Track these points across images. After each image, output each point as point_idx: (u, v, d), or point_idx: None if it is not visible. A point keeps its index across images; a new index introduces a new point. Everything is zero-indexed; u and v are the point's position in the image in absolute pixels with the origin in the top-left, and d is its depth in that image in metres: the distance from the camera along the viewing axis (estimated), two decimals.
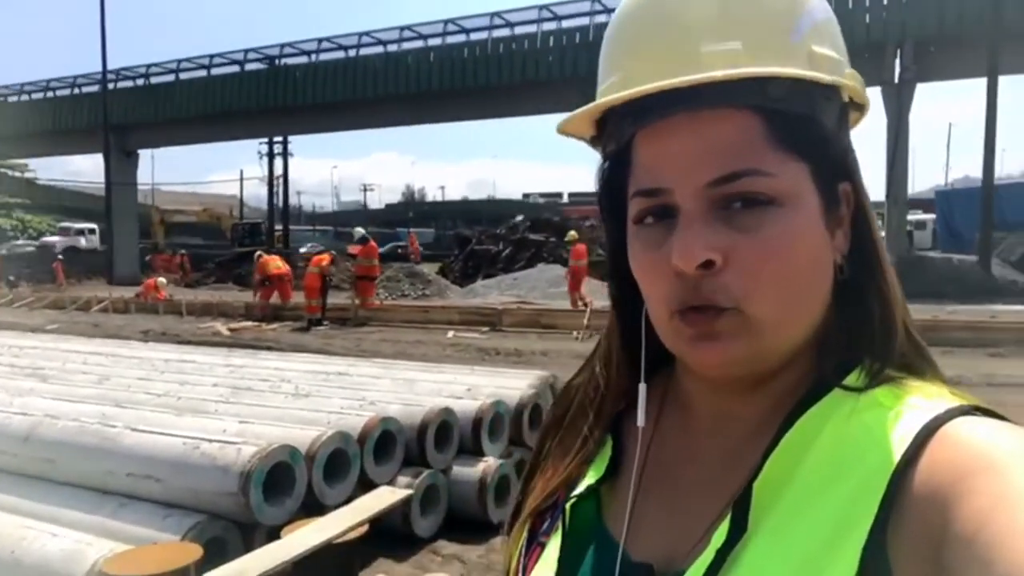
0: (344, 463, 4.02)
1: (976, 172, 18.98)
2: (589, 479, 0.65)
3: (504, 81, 28.03)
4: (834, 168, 0.57)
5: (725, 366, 0.57)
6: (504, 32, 28.62)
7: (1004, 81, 20.12)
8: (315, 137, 47.68)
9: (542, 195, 62.30)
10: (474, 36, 29.29)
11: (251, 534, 3.59)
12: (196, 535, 3.39)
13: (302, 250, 31.30)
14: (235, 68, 33.36)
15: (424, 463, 4.41)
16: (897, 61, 23.13)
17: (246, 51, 32.86)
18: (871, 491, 0.49)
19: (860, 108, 0.62)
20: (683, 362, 0.62)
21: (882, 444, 0.51)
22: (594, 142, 0.63)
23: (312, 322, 14.16)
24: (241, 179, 53.64)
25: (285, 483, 3.68)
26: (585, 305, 14.02)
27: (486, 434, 4.67)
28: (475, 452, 4.65)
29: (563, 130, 0.63)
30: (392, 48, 30.24)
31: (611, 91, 0.57)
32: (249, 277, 24.62)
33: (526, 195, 64.18)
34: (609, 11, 26.94)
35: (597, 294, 17.51)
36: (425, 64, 29.26)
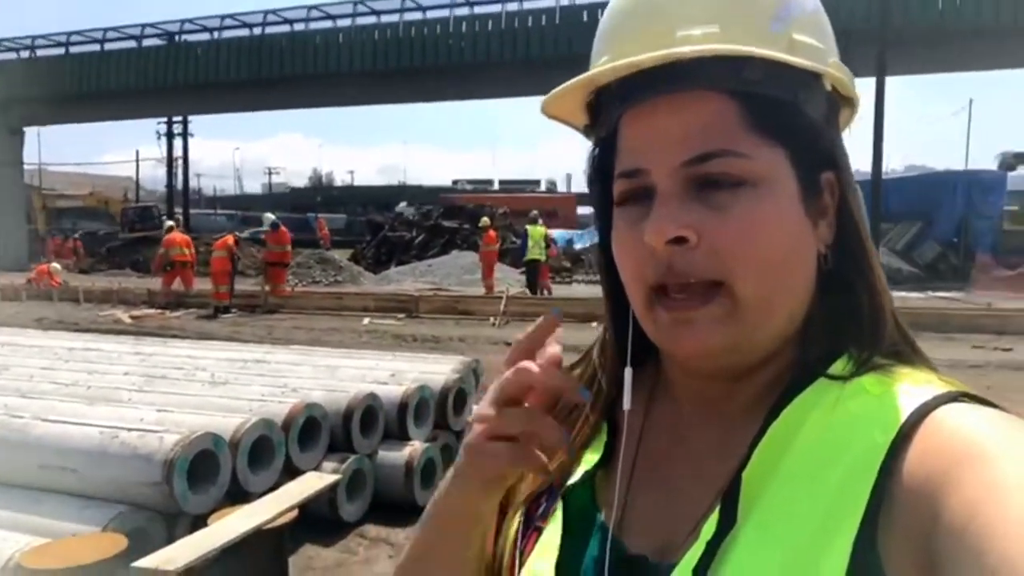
0: (268, 450, 3.98)
1: (864, 166, 20.08)
2: (585, 465, 0.65)
3: (415, 65, 27.72)
4: (815, 156, 0.58)
5: (704, 355, 0.57)
6: (416, 16, 28.29)
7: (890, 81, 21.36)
8: (216, 117, 45.96)
9: (470, 182, 61.97)
10: (384, 19, 28.84)
11: (175, 524, 3.52)
12: (118, 526, 3.30)
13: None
14: (131, 44, 31.69)
15: (350, 448, 4.41)
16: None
17: (143, 26, 31.26)
18: (860, 480, 0.49)
19: (852, 105, 0.62)
20: (662, 349, 0.62)
21: (869, 432, 0.51)
22: (587, 131, 0.65)
23: (219, 309, 13.73)
24: (137, 160, 50.86)
25: (209, 471, 3.62)
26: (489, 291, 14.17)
27: (412, 419, 4.70)
28: (401, 437, 4.68)
29: (549, 112, 0.63)
30: (299, 27, 29.43)
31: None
32: (148, 263, 23.69)
33: (455, 182, 63.76)
34: (470, 4, 27.15)
35: (510, 280, 17.76)
36: (334, 45, 28.61)
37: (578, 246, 26.12)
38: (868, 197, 22.09)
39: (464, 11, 27.75)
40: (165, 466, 3.39)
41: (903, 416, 0.50)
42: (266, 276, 14.42)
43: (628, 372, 0.64)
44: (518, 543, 0.65)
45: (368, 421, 4.55)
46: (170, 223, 15.83)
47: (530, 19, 26.53)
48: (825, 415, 0.53)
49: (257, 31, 29.87)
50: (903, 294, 15.79)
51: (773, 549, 0.50)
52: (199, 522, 3.51)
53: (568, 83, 0.59)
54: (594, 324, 11.83)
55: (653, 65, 0.54)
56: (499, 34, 26.47)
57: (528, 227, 16.44)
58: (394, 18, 28.39)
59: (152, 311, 13.87)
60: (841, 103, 0.61)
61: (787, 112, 0.55)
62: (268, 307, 13.99)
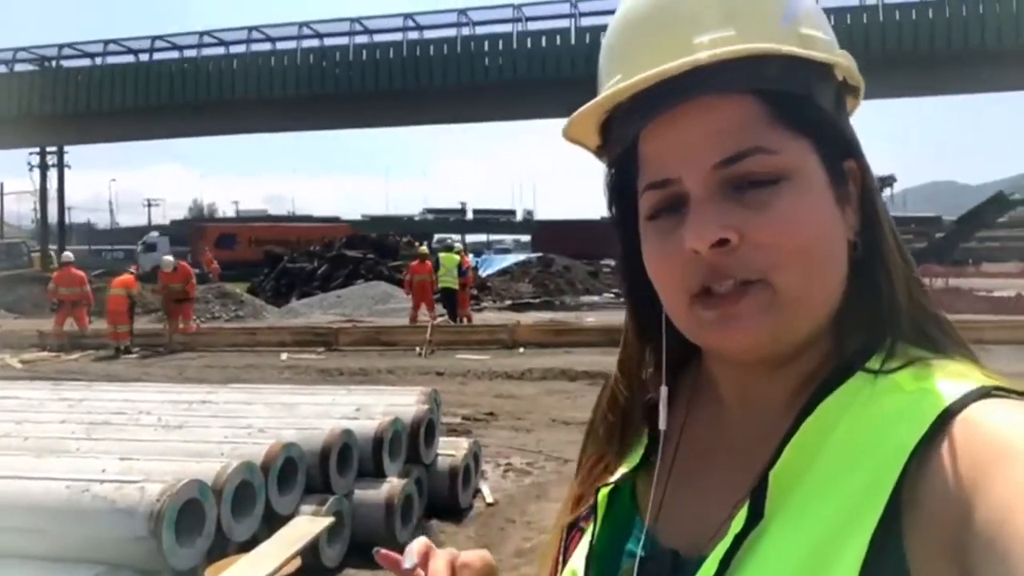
0: (249, 496, 3.74)
1: None
2: (625, 467, 0.67)
3: (314, 92, 27.26)
4: (837, 145, 0.59)
5: (751, 349, 0.57)
6: (314, 43, 27.90)
7: None
8: (85, 147, 43.33)
9: (434, 211, 61.15)
10: (280, 46, 28.29)
11: None
12: None
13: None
14: (1, 68, 29.66)
15: (327, 489, 4.21)
16: None
17: (15, 50, 29.33)
18: (884, 478, 0.49)
19: (856, 94, 0.63)
20: (707, 348, 0.62)
21: (899, 430, 0.51)
22: (599, 152, 0.65)
23: (119, 349, 12.89)
24: (1, 193, 47.44)
25: (192, 522, 3.37)
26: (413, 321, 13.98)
27: (387, 454, 4.55)
28: (376, 474, 4.51)
29: (569, 136, 0.64)
30: (190, 54, 28.40)
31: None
32: (21, 303, 21.88)
33: (428, 210, 63.00)
34: (420, 28, 27.21)
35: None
36: (228, 72, 27.77)
37: (484, 273, 26.19)
38: None
39: (364, 39, 27.59)
40: (151, 519, 3.14)
41: (934, 414, 0.50)
42: (169, 314, 13.60)
43: (664, 391, 0.65)
44: (562, 542, 0.68)
45: (344, 459, 4.36)
46: (67, 256, 14.67)
47: (431, 48, 26.67)
48: (858, 413, 0.53)
49: (144, 57, 28.59)
50: None
51: (796, 544, 0.50)
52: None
53: (589, 104, 0.59)
54: (521, 350, 11.82)
55: (677, 73, 0.54)
56: (400, 61, 26.45)
57: (441, 255, 16.36)
58: (291, 45, 27.89)
59: (45, 354, 12.85)
60: (846, 91, 0.61)
61: (806, 105, 0.56)
62: (172, 346, 13.25)
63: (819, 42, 0.58)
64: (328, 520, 3.56)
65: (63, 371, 10.82)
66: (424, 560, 0.63)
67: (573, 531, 0.68)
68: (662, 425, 0.64)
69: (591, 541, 0.63)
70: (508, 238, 68.40)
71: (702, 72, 0.53)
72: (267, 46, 27.91)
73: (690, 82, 0.54)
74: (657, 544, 0.61)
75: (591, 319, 16.36)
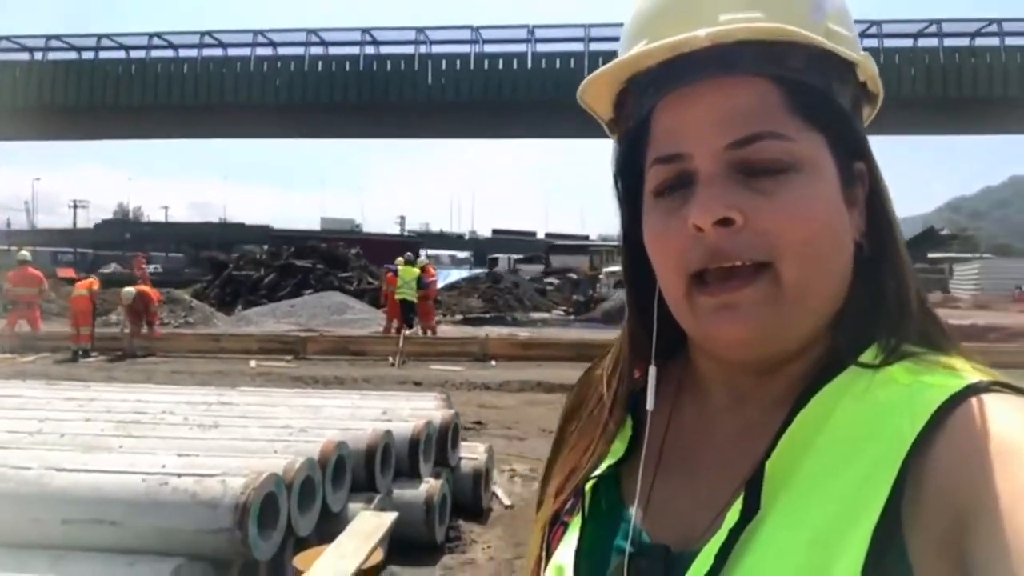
0: (310, 491, 3.84)
1: None
2: (609, 460, 0.65)
3: (226, 101, 26.81)
4: (849, 145, 0.58)
5: (746, 342, 0.56)
6: (267, 51, 27.58)
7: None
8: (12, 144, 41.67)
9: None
10: (232, 52, 27.86)
11: (226, 573, 3.33)
12: None
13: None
14: None
15: (372, 487, 4.32)
16: None
17: None
18: (885, 470, 0.48)
19: (873, 102, 0.62)
20: (698, 343, 0.62)
21: (897, 422, 0.50)
22: (611, 125, 0.65)
23: (78, 353, 12.51)
24: None
25: (266, 515, 3.45)
26: (397, 331, 14.02)
27: (422, 456, 4.68)
28: (411, 475, 4.64)
29: (585, 100, 0.63)
30: (137, 55, 27.69)
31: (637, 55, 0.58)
32: None
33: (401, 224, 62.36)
34: (325, 44, 27.23)
35: (377, 320, 17.43)
36: (177, 76, 27.16)
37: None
38: None
39: (319, 50, 27.45)
40: (236, 511, 3.21)
41: (933, 406, 0.49)
42: (131, 319, 13.26)
43: (652, 371, 0.64)
44: (545, 538, 0.66)
45: (384, 459, 4.48)
46: (23, 255, 14.13)
47: (388, 63, 26.74)
48: (853, 405, 0.53)
49: (88, 55, 27.74)
50: None
51: (795, 536, 0.50)
52: (263, 568, 3.36)
53: (609, 64, 0.58)
54: (493, 363, 12.01)
55: (699, 47, 0.54)
56: (301, 74, 26.39)
57: (400, 268, 16.42)
58: (245, 51, 27.52)
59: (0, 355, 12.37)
60: (864, 97, 0.61)
61: (824, 100, 0.56)
62: (132, 351, 12.92)
63: (845, 40, 0.57)
64: (394, 515, 3.67)
65: (23, 373, 10.46)
66: None
67: (555, 525, 0.66)
68: (649, 405, 0.63)
69: (579, 536, 0.62)
70: (444, 253, 68.50)
71: (724, 51, 0.54)
72: (219, 52, 27.49)
73: (711, 59, 0.54)
74: (645, 539, 0.59)
75: (550, 334, 16.64)
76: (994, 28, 24.63)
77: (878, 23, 25.00)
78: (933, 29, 24.84)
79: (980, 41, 24.75)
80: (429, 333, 15.39)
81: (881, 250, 0.58)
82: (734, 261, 0.54)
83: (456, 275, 31.77)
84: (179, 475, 3.40)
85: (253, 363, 11.92)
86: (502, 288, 27.92)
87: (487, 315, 22.81)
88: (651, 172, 0.58)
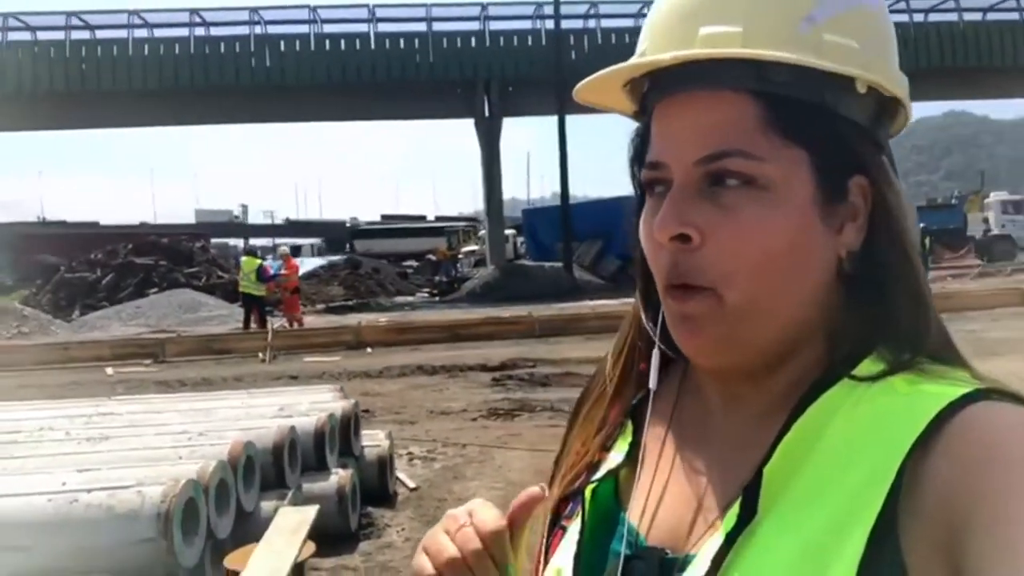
0: (224, 493, 3.79)
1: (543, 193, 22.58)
2: (609, 464, 0.66)
3: (41, 88, 24.82)
4: (843, 160, 0.57)
5: (701, 352, 0.58)
6: (84, 35, 25.48)
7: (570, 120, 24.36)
8: None
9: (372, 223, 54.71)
10: (41, 35, 25.50)
11: None
12: None
13: None
14: None
15: (282, 484, 4.32)
16: (486, 98, 26.38)
17: None
18: (882, 477, 0.49)
19: (894, 111, 0.60)
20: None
21: (894, 430, 0.50)
22: (636, 116, 0.65)
23: None
24: None
25: (185, 521, 3.40)
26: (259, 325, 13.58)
27: (328, 448, 4.71)
28: (318, 467, 4.66)
29: (587, 100, 0.64)
30: None
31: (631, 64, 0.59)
32: None
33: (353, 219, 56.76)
34: (149, 26, 25.80)
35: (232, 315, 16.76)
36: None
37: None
38: (558, 220, 25.03)
39: (143, 33, 25.69)
40: (159, 520, 3.16)
41: (930, 414, 0.49)
42: None
43: (656, 354, 0.65)
44: (543, 542, 0.66)
45: (291, 455, 4.47)
46: None
47: (222, 45, 25.46)
48: (852, 413, 0.53)
49: None
50: (599, 301, 18.11)
51: (791, 541, 0.50)
52: (192, 574, 3.32)
53: (600, 73, 0.60)
54: (369, 350, 11.91)
55: (668, 64, 0.55)
56: (188, 58, 24.99)
57: (243, 259, 15.81)
58: (59, 35, 25.27)
59: None
60: (892, 105, 0.60)
61: (813, 115, 0.55)
62: None
63: (844, 51, 0.55)
64: (315, 508, 3.71)
65: None
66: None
67: (554, 529, 0.66)
68: (652, 385, 0.65)
69: (578, 540, 0.62)
70: (306, 242, 66.25)
71: (703, 66, 0.55)
72: (28, 35, 25.13)
73: (690, 74, 0.55)
74: (642, 542, 0.60)
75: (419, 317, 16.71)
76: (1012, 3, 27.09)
77: None
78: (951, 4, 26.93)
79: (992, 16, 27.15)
80: (296, 325, 15.04)
81: (887, 266, 0.58)
82: (689, 279, 0.56)
83: (312, 262, 30.94)
84: (88, 490, 3.28)
85: (110, 370, 11.21)
86: (363, 274, 27.56)
87: (351, 302, 22.47)
88: (643, 172, 0.61)
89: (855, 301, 0.58)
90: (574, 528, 0.63)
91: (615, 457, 0.66)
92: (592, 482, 0.64)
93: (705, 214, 0.55)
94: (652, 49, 0.58)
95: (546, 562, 0.64)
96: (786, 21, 0.55)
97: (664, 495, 0.62)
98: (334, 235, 50.18)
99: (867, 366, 0.55)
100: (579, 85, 0.62)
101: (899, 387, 0.53)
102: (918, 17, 27.27)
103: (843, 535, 0.48)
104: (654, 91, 0.59)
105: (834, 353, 0.57)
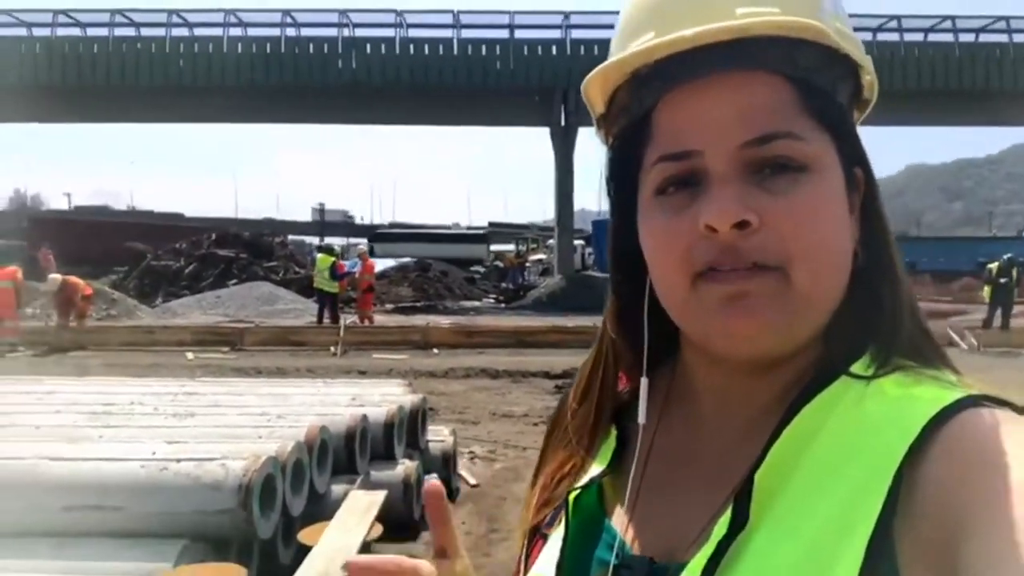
0: (299, 473, 4.00)
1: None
2: (592, 472, 0.64)
3: (140, 84, 25.93)
4: (851, 149, 0.57)
5: (750, 339, 0.54)
6: (129, 32, 26.62)
7: None
8: None
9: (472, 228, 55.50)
10: (91, 32, 26.71)
11: (226, 552, 3.48)
12: (189, 559, 3.24)
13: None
14: None
15: (352, 470, 4.51)
16: (563, 107, 26.51)
17: None
18: (877, 482, 0.48)
19: (863, 107, 0.61)
20: (699, 341, 0.59)
21: (887, 435, 0.50)
22: (600, 121, 0.63)
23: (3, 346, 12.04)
24: None
25: (263, 496, 3.61)
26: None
27: (397, 439, 4.88)
28: (386, 457, 4.84)
29: (587, 92, 0.62)
30: (42, 33, 26.34)
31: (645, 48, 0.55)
32: None
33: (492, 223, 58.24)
34: (243, 25, 26.61)
35: (307, 308, 17.28)
36: (29, 56, 25.81)
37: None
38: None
39: (237, 31, 26.77)
40: (240, 492, 3.37)
41: (923, 420, 0.49)
42: (61, 311, 12.83)
43: (644, 383, 0.63)
44: (524, 551, 0.65)
45: (362, 442, 4.66)
46: None
47: (304, 46, 26.33)
48: (845, 416, 0.52)
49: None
50: None
51: (785, 550, 0.49)
52: (258, 547, 3.52)
53: (619, 55, 0.57)
54: (436, 351, 12.17)
55: (714, 41, 0.53)
56: (220, 57, 25.87)
57: (318, 256, 16.29)
58: (159, 32, 26.57)
59: None
60: (856, 101, 0.60)
61: (830, 101, 0.55)
62: (60, 344, 12.52)
63: (852, 41, 0.57)
64: (383, 492, 3.89)
65: None
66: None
67: (536, 537, 0.65)
68: (641, 419, 0.62)
69: (561, 547, 0.61)
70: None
71: (742, 46, 0.53)
72: (131, 31, 26.51)
73: (729, 54, 0.53)
74: (629, 551, 0.59)
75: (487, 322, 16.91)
76: (1002, 25, 26.07)
77: (898, 17, 26.12)
78: (947, 25, 26.09)
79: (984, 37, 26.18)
80: (366, 322, 15.44)
81: (876, 260, 0.58)
82: (747, 263, 0.53)
83: (384, 263, 31.71)
84: (177, 460, 3.52)
85: (190, 355, 11.75)
86: (431, 277, 28.02)
87: (419, 304, 22.90)
88: (654, 170, 0.56)
89: (854, 297, 0.57)
90: (556, 536, 0.62)
91: (599, 464, 0.64)
92: (575, 489, 0.63)
93: (759, 198, 0.53)
94: (671, 30, 0.54)
95: (526, 570, 0.64)
96: (812, 7, 0.55)
97: (652, 503, 0.61)
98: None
99: (862, 364, 0.55)
100: (591, 74, 0.59)
101: (890, 390, 0.53)
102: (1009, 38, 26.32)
103: (839, 543, 0.47)
104: (659, 80, 0.55)
105: (831, 348, 0.57)
